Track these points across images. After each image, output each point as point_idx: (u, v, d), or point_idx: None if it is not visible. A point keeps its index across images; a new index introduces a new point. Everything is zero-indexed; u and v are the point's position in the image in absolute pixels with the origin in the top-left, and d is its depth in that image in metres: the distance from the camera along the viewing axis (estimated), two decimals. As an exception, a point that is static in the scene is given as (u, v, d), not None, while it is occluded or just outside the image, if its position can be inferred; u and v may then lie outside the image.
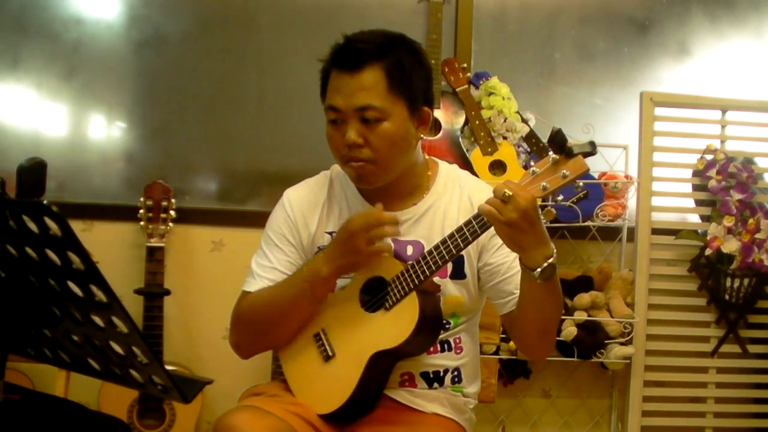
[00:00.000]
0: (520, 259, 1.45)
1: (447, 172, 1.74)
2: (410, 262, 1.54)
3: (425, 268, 1.52)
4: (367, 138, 1.57)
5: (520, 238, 1.40)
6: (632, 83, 2.96)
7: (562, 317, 2.60)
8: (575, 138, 2.66)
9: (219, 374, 2.46)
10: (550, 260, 1.42)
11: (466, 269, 1.65)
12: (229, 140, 2.85)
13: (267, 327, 1.68)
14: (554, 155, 1.37)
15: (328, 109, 1.60)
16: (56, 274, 1.08)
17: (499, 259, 1.64)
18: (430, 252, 1.52)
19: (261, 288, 1.67)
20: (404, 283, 1.54)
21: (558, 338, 2.60)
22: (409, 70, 1.59)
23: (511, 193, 1.36)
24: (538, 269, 1.42)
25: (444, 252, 1.50)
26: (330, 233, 1.69)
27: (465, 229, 1.47)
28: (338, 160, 1.64)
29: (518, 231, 1.38)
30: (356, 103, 1.56)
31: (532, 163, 1.43)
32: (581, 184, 1.42)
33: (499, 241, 1.61)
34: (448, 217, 1.66)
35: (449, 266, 1.64)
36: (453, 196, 1.69)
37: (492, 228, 1.44)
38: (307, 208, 1.72)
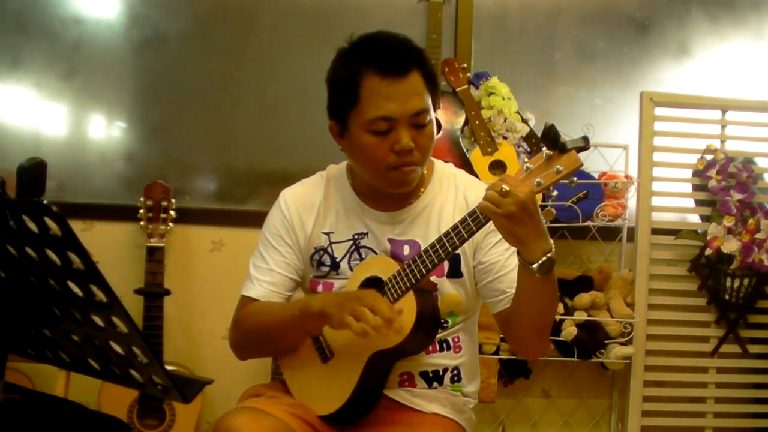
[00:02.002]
0: (518, 253, 1.45)
1: (442, 170, 1.74)
2: (406, 262, 1.54)
3: (421, 266, 1.51)
4: (416, 141, 1.56)
5: (518, 231, 1.39)
6: (632, 83, 2.97)
7: (562, 317, 2.60)
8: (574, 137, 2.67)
9: (219, 374, 2.46)
10: (549, 254, 1.42)
11: (463, 268, 1.65)
12: (229, 140, 2.85)
13: (262, 342, 1.69)
14: (547, 151, 1.37)
15: (379, 120, 1.53)
16: (56, 274, 1.08)
17: (493, 257, 1.63)
18: (426, 251, 1.52)
19: (261, 294, 1.67)
20: (401, 283, 1.54)
21: (558, 338, 2.60)
22: (434, 71, 1.61)
23: (508, 188, 1.36)
24: (537, 263, 1.42)
25: (440, 250, 1.50)
26: (326, 233, 1.69)
27: (460, 227, 1.47)
28: (380, 168, 1.58)
29: (517, 223, 1.37)
30: (412, 109, 1.54)
31: (525, 159, 1.42)
32: (576, 179, 1.41)
33: (493, 239, 1.61)
34: (444, 215, 1.66)
35: (446, 265, 1.64)
36: (449, 194, 1.69)
37: (486, 226, 1.44)
38: (304, 208, 1.71)
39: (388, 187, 1.62)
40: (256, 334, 1.67)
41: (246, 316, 1.67)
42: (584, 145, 1.36)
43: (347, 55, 1.59)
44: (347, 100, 1.56)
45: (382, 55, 1.54)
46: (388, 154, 1.55)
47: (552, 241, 1.43)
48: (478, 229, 1.46)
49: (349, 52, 1.60)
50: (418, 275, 1.52)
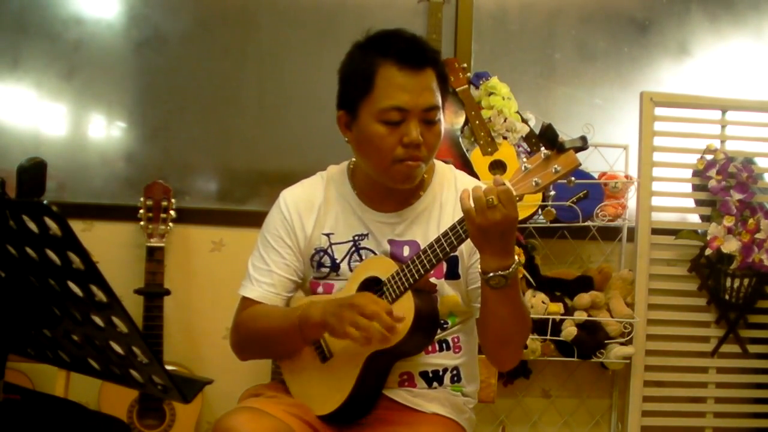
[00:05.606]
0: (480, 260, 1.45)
1: (443, 172, 1.74)
2: (405, 262, 1.55)
3: (420, 267, 1.52)
4: (425, 137, 1.57)
5: (481, 243, 1.41)
6: (632, 83, 2.96)
7: (563, 317, 2.60)
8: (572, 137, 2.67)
9: (219, 374, 2.45)
10: (500, 272, 1.41)
11: (460, 269, 1.66)
12: (229, 140, 2.85)
13: (262, 347, 1.70)
14: (546, 151, 1.37)
15: (392, 109, 1.54)
16: (56, 274, 1.08)
17: None
18: (424, 251, 1.52)
19: (260, 296, 1.68)
20: (399, 283, 1.54)
21: (558, 338, 2.60)
22: (446, 73, 1.64)
23: (496, 203, 1.36)
24: (488, 274, 1.42)
25: (438, 250, 1.50)
26: (327, 234, 1.69)
27: (458, 227, 1.47)
28: (386, 160, 1.58)
29: (483, 234, 1.39)
30: (425, 103, 1.56)
31: (524, 159, 1.41)
32: (575, 179, 1.40)
33: None
34: (444, 216, 1.66)
35: (444, 266, 1.64)
36: (449, 195, 1.69)
37: None
38: (304, 209, 1.71)
39: (392, 182, 1.62)
40: (256, 339, 1.68)
41: (246, 321, 1.68)
42: (582, 145, 1.36)
43: (364, 46, 1.62)
44: (361, 89, 1.57)
45: (401, 46, 1.57)
46: (396, 146, 1.56)
47: (515, 262, 1.42)
48: None
49: (366, 43, 1.62)
50: (416, 275, 1.52)
